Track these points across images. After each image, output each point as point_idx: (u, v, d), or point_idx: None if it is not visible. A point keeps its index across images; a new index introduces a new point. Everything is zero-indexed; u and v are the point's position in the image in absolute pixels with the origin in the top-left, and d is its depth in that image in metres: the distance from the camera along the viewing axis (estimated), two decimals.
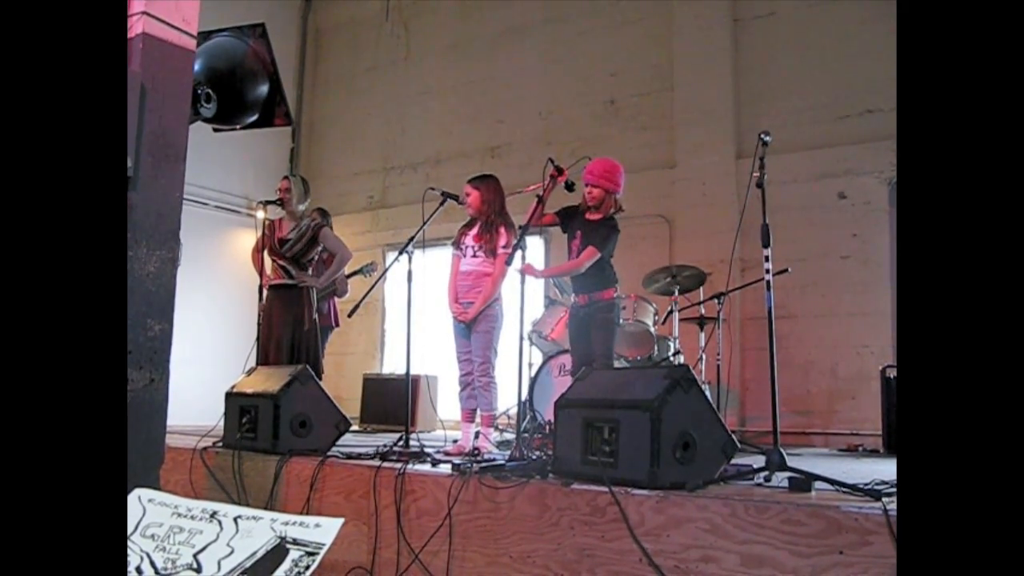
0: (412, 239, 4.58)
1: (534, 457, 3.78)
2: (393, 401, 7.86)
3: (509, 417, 6.53)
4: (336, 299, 7.09)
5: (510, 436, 5.81)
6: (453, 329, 5.06)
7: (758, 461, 3.93)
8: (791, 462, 3.24)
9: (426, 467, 3.84)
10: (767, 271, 3.37)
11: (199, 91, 3.28)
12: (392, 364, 9.93)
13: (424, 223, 4.66)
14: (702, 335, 6.41)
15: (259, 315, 5.77)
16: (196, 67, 3.25)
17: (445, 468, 3.74)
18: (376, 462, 3.97)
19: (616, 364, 5.12)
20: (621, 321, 5.77)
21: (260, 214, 5.97)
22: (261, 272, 5.83)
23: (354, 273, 7.33)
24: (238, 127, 3.74)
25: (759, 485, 3.25)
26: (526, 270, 4.33)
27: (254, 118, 3.70)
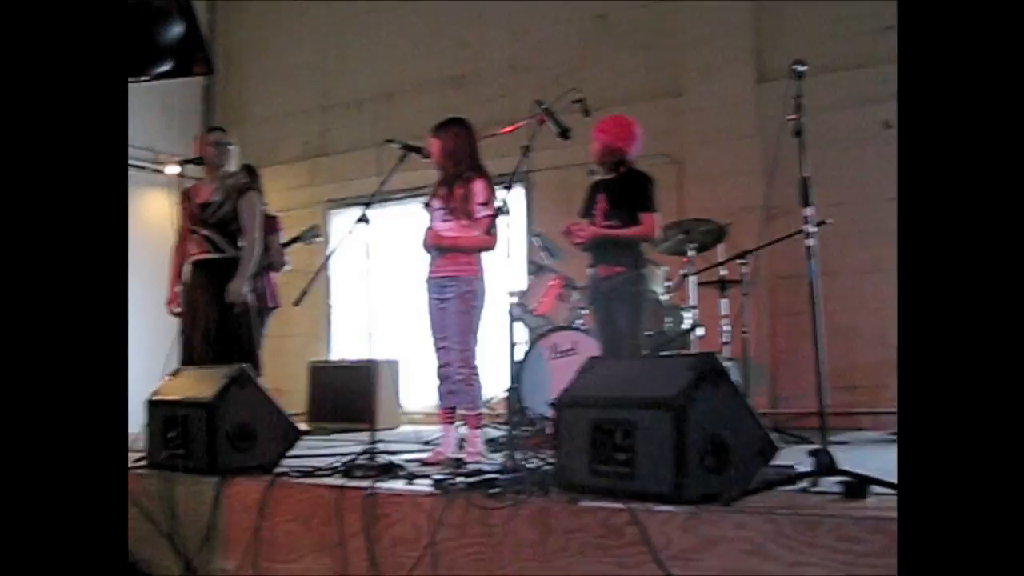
0: (368, 204, 4.57)
1: (531, 467, 3.81)
2: (346, 393, 7.89)
3: (491, 409, 6.57)
4: (273, 274, 7.07)
5: (494, 433, 5.86)
6: (428, 310, 5.06)
7: (796, 454, 4.00)
8: (836, 451, 3.29)
9: (400, 484, 3.88)
10: (807, 235, 3.40)
11: None
12: (342, 348, 9.94)
13: (381, 185, 4.65)
14: (723, 301, 6.45)
15: (181, 298, 5.75)
16: None
17: (424, 484, 3.78)
18: (338, 479, 4.00)
19: None
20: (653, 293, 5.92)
21: (172, 169, 5.92)
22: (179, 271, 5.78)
23: (292, 241, 7.31)
24: (148, 78, 3.71)
25: (804, 491, 3.31)
26: (572, 230, 4.86)
27: (167, 67, 3.66)
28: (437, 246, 5.01)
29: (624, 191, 5.06)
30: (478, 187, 4.95)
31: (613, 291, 5.03)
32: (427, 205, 5.15)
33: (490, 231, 4.51)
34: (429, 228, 5.08)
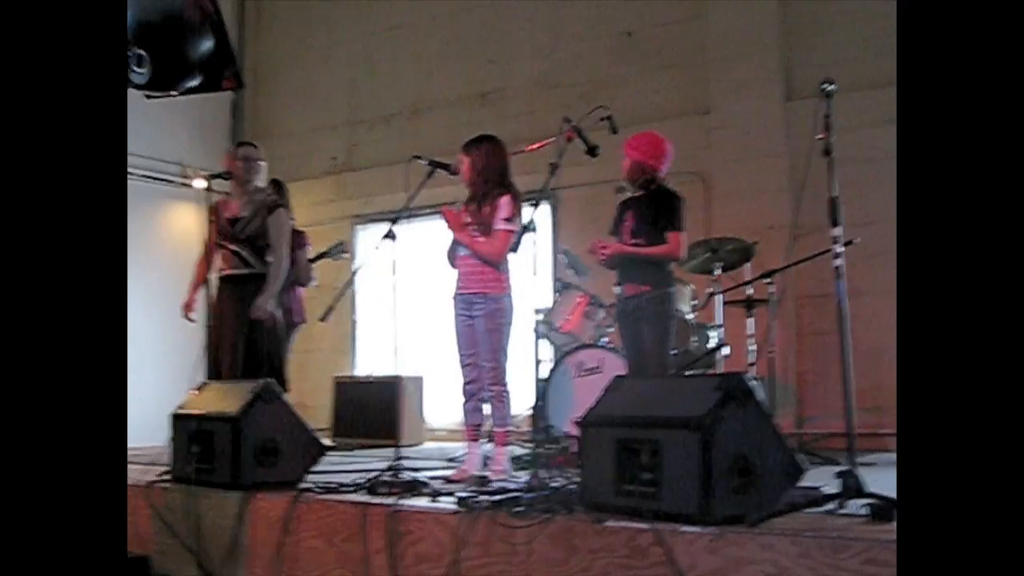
0: (395, 221, 4.58)
1: (556, 485, 3.80)
2: (372, 409, 7.89)
3: (516, 427, 6.55)
4: (300, 289, 7.09)
5: (519, 451, 5.85)
6: (455, 326, 5.06)
7: (822, 475, 3.98)
8: (863, 473, 3.27)
9: (424, 501, 3.88)
10: (836, 255, 3.39)
11: (129, 53, 3.28)
12: (367, 363, 9.96)
13: (408, 202, 4.66)
14: (750, 320, 6.43)
15: (208, 313, 5.78)
16: None
17: (448, 502, 3.78)
18: (363, 496, 4.01)
19: None
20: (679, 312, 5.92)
21: (200, 183, 5.93)
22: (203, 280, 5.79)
23: (320, 257, 7.34)
24: (176, 93, 3.73)
25: (831, 513, 3.29)
26: (596, 247, 4.91)
27: (197, 81, 3.69)
28: (455, 240, 5.04)
29: (652, 209, 5.05)
30: (503, 202, 4.93)
31: (639, 310, 5.02)
32: None
33: (513, 249, 4.46)
34: (464, 256, 5.08)
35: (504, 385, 4.94)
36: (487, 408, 5.02)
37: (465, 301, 5.01)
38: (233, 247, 5.74)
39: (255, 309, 5.62)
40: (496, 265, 4.94)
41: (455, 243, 5.07)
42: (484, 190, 5.01)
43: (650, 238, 5.02)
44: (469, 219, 5.02)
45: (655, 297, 5.00)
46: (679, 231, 5.01)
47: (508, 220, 4.89)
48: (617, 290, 5.20)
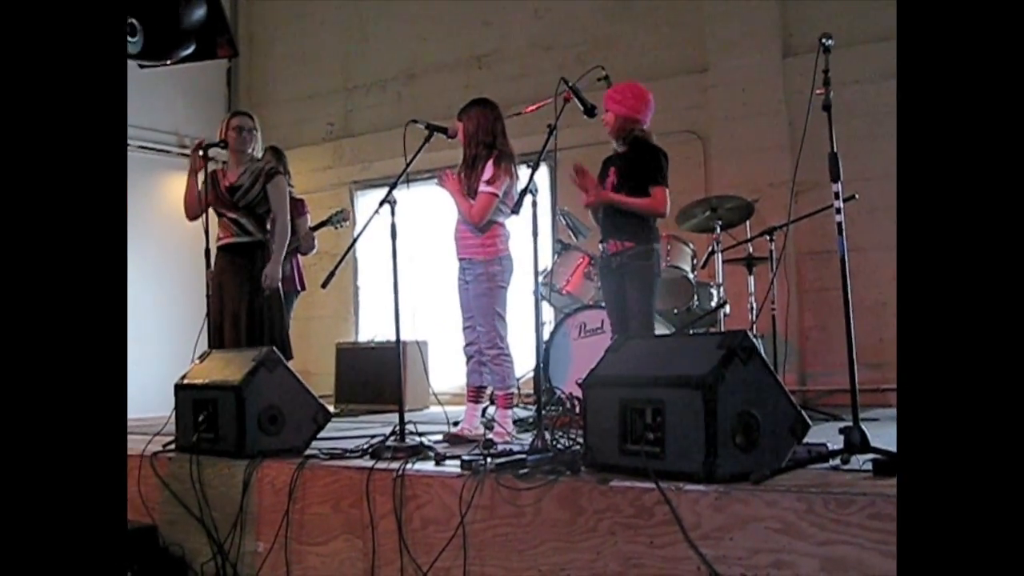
0: (394, 185, 4.56)
1: (560, 447, 3.80)
2: (375, 375, 7.90)
3: (519, 390, 6.56)
4: (300, 257, 7.08)
5: (522, 413, 5.86)
6: (458, 289, 5.07)
7: (826, 431, 3.98)
8: (867, 428, 3.27)
9: (429, 465, 3.88)
10: (837, 210, 3.37)
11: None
12: (369, 329, 9.96)
13: (405, 167, 4.63)
14: (751, 279, 6.42)
15: (208, 283, 5.76)
16: None
17: (453, 465, 3.78)
18: (367, 461, 4.01)
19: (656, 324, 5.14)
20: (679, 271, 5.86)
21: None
22: (200, 216, 5.70)
23: (320, 225, 7.31)
24: (170, 62, 3.70)
25: (836, 468, 3.30)
26: (580, 178, 4.86)
27: (190, 50, 3.65)
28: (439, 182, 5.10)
29: (634, 165, 4.91)
30: (488, 166, 4.93)
31: (622, 267, 4.92)
32: None
33: (514, 211, 4.35)
34: (458, 221, 5.09)
35: (500, 349, 4.93)
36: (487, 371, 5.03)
37: (461, 266, 5.07)
38: (232, 215, 5.71)
39: (264, 278, 5.60)
40: (476, 227, 4.94)
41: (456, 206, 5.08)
42: (475, 153, 5.01)
43: (632, 194, 4.90)
44: (463, 183, 5.02)
45: (638, 253, 4.90)
46: (662, 186, 4.89)
47: (489, 183, 4.88)
48: (601, 247, 5.12)
